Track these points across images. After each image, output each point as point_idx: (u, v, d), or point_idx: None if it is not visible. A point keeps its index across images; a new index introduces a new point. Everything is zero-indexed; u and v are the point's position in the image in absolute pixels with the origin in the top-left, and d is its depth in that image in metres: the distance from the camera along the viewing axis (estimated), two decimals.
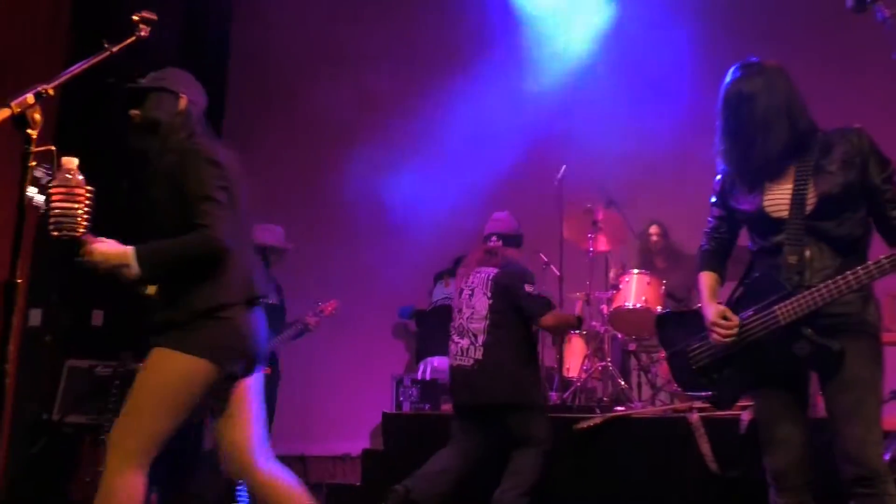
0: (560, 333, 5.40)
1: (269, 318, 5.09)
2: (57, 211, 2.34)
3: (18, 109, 2.09)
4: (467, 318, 4.27)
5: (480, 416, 4.22)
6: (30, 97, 2.12)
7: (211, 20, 7.23)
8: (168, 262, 2.69)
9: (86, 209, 2.37)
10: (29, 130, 2.11)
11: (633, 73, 6.80)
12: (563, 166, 5.68)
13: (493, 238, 4.46)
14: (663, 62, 6.50)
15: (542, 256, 5.83)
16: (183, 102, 2.88)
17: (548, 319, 4.22)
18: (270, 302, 5.12)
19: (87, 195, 2.36)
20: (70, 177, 2.33)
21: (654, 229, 6.18)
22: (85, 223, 2.37)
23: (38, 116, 2.14)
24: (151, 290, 2.77)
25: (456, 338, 4.31)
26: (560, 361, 5.60)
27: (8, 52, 5.74)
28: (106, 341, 5.92)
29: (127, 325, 5.83)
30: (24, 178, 2.15)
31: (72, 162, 2.34)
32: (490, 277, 4.28)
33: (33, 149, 2.14)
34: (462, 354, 4.24)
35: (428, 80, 6.83)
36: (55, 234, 2.37)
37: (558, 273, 5.63)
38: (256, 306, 2.88)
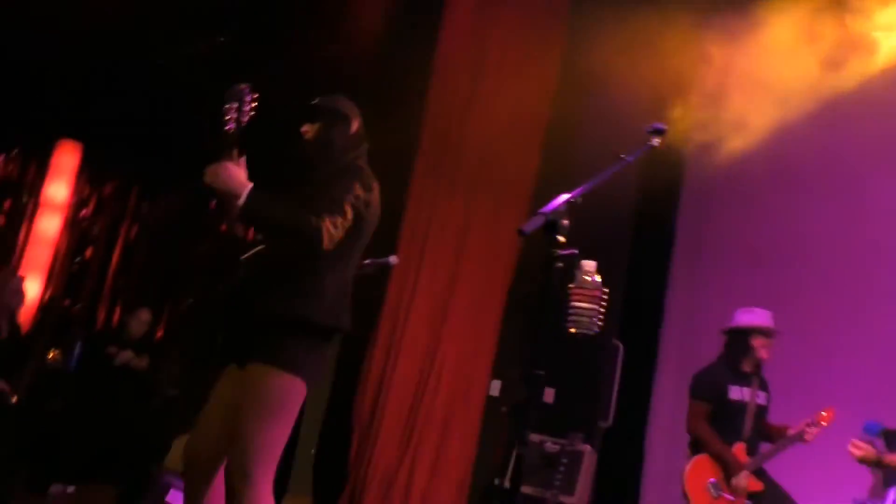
0: None
1: (756, 420, 4.64)
2: (577, 309, 2.48)
3: (552, 217, 2.26)
4: None
5: None
6: (561, 206, 2.28)
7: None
8: (270, 218, 2.71)
9: (602, 309, 2.48)
10: (558, 236, 2.27)
11: None
12: None
13: None
14: None
15: None
16: (355, 125, 2.98)
17: None
18: (758, 402, 4.62)
19: (603, 296, 2.48)
20: (588, 278, 2.46)
21: None
22: (600, 322, 2.48)
23: (566, 222, 2.29)
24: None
25: None
26: None
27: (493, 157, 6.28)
28: (556, 419, 6.14)
29: (576, 407, 6.11)
30: (548, 281, 2.31)
31: (591, 265, 2.47)
32: None
33: (560, 252, 2.29)
34: None
35: None
36: (573, 330, 2.51)
37: None
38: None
